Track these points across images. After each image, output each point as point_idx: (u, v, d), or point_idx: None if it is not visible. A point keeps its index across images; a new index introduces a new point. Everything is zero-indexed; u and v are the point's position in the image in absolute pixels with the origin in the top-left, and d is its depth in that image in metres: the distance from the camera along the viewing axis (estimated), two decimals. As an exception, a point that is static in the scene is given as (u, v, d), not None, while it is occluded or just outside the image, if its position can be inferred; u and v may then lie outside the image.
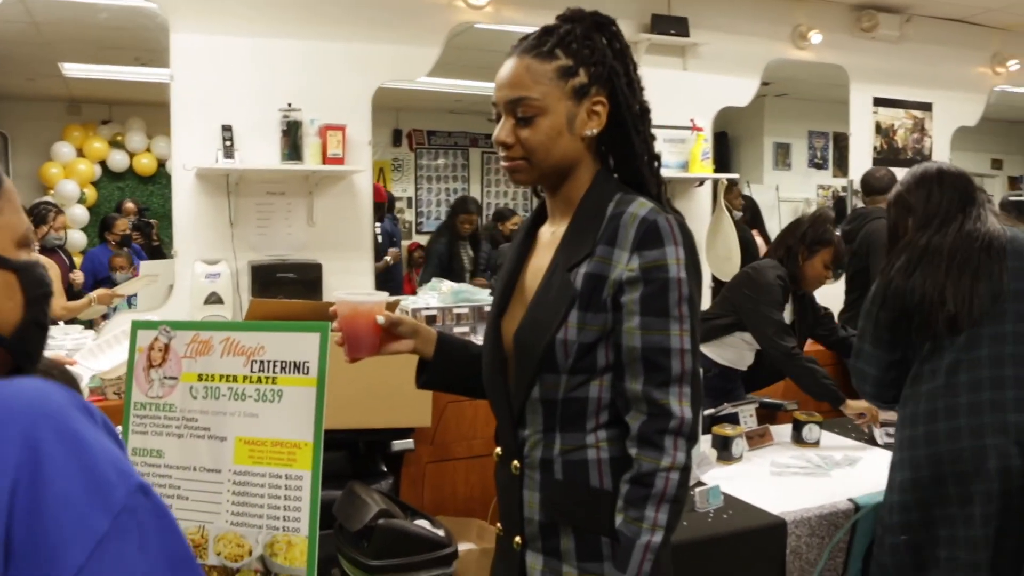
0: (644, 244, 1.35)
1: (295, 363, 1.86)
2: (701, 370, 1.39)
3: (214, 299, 3.73)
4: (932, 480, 2.15)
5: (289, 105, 3.87)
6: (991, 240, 2.21)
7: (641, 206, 1.37)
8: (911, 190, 2.35)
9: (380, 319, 1.50)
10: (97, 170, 5.71)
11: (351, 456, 3.23)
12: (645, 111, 1.46)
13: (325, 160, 3.91)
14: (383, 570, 2.61)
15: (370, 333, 1.52)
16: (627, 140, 1.45)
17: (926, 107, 5.75)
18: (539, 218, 1.57)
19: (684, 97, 4.64)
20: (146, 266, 4.45)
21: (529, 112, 1.38)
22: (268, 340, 1.88)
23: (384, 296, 1.54)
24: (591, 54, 1.40)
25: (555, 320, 1.38)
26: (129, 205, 5.97)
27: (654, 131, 1.50)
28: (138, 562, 0.68)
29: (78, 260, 5.25)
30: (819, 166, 7.32)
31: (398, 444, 3.22)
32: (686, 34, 4.65)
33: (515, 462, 1.46)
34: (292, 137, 3.86)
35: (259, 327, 2.02)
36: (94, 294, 3.97)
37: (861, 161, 5.40)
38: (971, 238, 2.21)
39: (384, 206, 6.24)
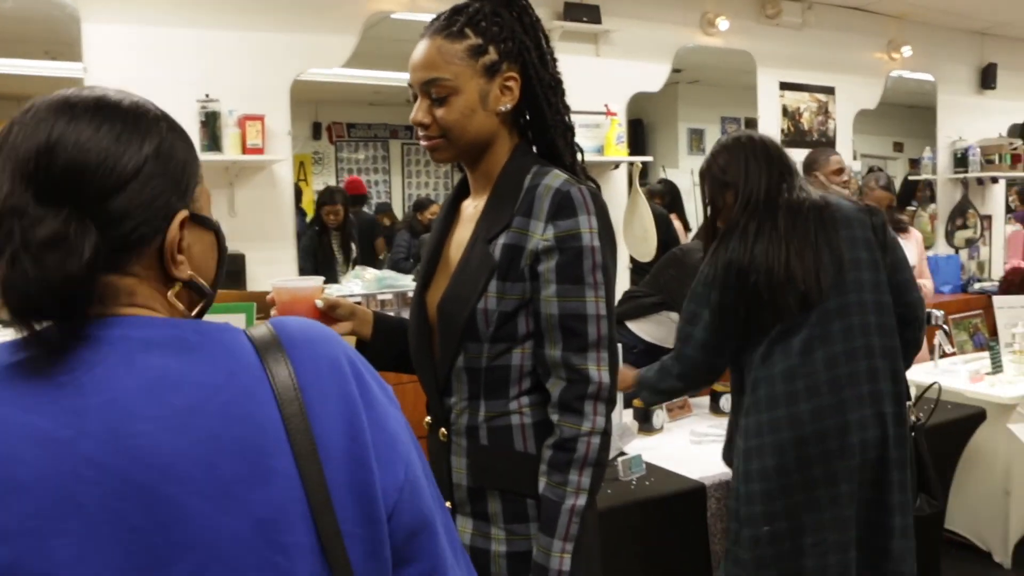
0: (558, 214, 1.38)
1: (224, 343, 1.89)
2: (623, 345, 1.44)
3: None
4: (798, 464, 2.05)
5: (207, 96, 3.84)
6: (819, 209, 2.13)
7: (555, 177, 1.41)
8: (725, 163, 2.21)
9: (319, 303, 1.52)
10: (7, 166, 5.53)
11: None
12: (557, 83, 1.50)
13: (245, 151, 3.90)
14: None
15: (310, 317, 1.53)
16: (540, 112, 1.48)
17: (829, 91, 5.98)
18: (461, 193, 1.61)
19: (598, 83, 4.74)
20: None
21: (443, 92, 1.42)
22: (197, 322, 1.91)
23: (320, 281, 1.57)
24: (500, 31, 1.43)
25: (475, 290, 1.42)
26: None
27: (571, 115, 1.54)
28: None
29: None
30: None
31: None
32: (598, 21, 4.76)
33: (442, 430, 1.50)
34: (211, 128, 3.84)
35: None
36: None
37: (769, 143, 5.58)
38: (800, 209, 2.12)
39: (364, 199, 6.22)
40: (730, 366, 2.24)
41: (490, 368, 1.43)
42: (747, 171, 2.16)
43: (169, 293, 0.83)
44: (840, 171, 4.02)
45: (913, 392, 2.63)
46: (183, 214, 0.83)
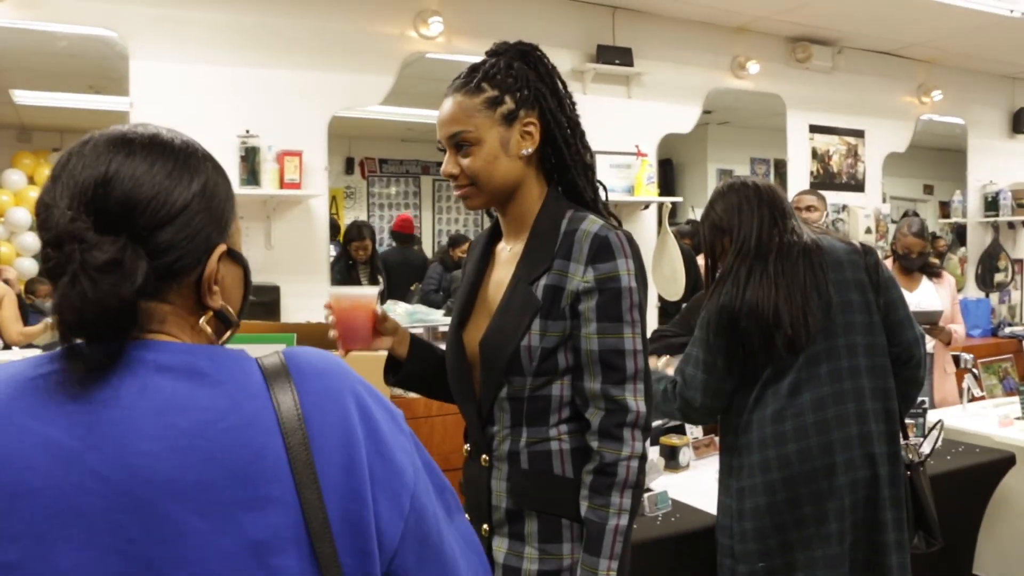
0: (597, 257, 1.48)
1: (264, 371, 1.95)
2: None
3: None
4: (788, 503, 2.08)
5: (247, 131, 3.96)
6: (809, 252, 2.15)
7: (592, 223, 1.51)
8: (721, 209, 2.25)
9: (379, 310, 1.61)
10: (48, 198, 5.67)
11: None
12: (575, 124, 1.60)
13: (283, 185, 4.00)
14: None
15: (366, 325, 1.61)
16: (560, 153, 1.58)
17: (859, 134, 6.01)
18: (494, 236, 1.71)
19: (629, 124, 4.82)
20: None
21: (466, 143, 1.53)
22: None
23: (376, 291, 1.64)
24: (515, 81, 1.53)
25: (519, 328, 1.51)
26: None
27: (601, 155, 1.65)
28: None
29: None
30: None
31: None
32: (630, 64, 4.83)
33: (484, 456, 1.58)
34: (250, 163, 3.95)
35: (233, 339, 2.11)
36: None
37: (799, 185, 5.61)
38: (791, 253, 2.14)
39: (413, 238, 6.24)
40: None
41: (532, 398, 1.53)
42: (740, 217, 2.20)
43: (201, 321, 0.89)
44: (808, 208, 4.05)
45: (913, 433, 2.63)
46: (221, 248, 0.89)
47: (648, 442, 1.51)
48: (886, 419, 2.16)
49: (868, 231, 5.91)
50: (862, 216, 5.89)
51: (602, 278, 1.48)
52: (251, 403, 0.83)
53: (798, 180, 5.73)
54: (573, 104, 1.61)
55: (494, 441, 1.57)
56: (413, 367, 1.69)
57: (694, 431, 3.35)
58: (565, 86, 1.61)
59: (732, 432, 2.21)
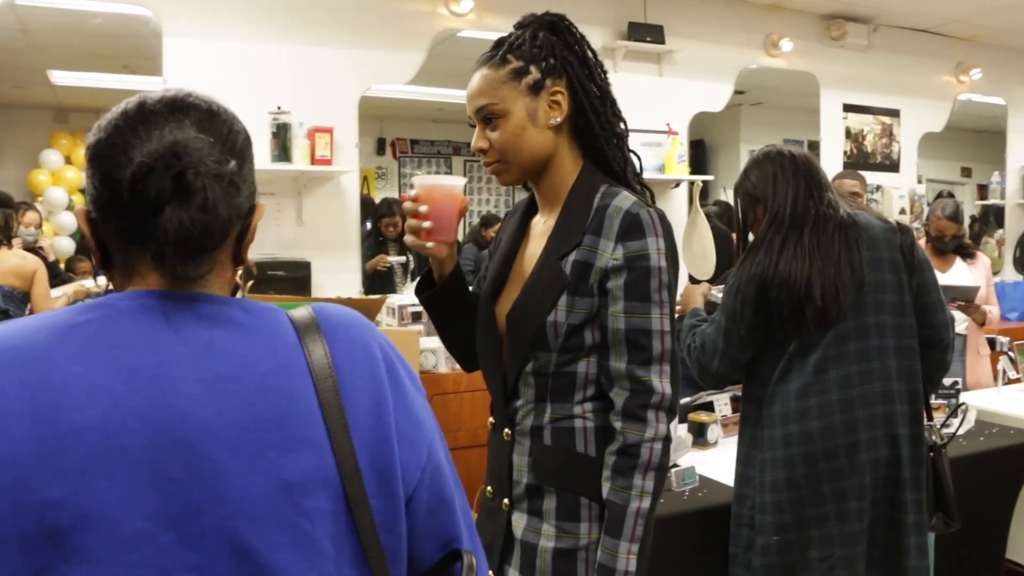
0: (627, 235, 1.45)
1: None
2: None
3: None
4: (807, 479, 2.08)
5: (278, 108, 3.99)
6: (845, 228, 2.12)
7: (625, 199, 1.47)
8: (756, 178, 2.22)
9: (465, 200, 1.55)
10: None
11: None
12: (604, 93, 1.56)
13: (313, 161, 4.04)
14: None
15: (454, 216, 1.55)
16: (589, 122, 1.54)
17: (894, 113, 5.93)
18: (530, 209, 1.68)
19: (660, 102, 4.79)
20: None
21: (493, 116, 1.51)
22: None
23: (463, 181, 1.57)
24: (540, 51, 1.51)
25: (546, 304, 1.49)
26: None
27: (631, 133, 1.61)
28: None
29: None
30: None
31: (385, 434, 3.33)
32: (662, 41, 4.80)
33: (507, 430, 1.56)
34: (281, 139, 3.98)
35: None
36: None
37: (832, 165, 5.56)
38: (827, 226, 2.12)
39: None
40: (745, 378, 2.25)
41: (557, 374, 1.51)
42: (775, 186, 2.16)
43: (237, 276, 0.94)
44: (855, 195, 4.00)
45: (939, 414, 2.60)
46: (261, 204, 0.95)
47: (674, 423, 1.49)
48: (911, 400, 2.15)
49: (902, 212, 5.84)
50: (896, 197, 5.82)
51: (631, 256, 1.45)
52: (284, 351, 0.86)
53: (831, 160, 5.67)
54: (604, 73, 1.58)
55: (517, 415, 1.56)
56: (452, 285, 1.64)
57: (723, 408, 3.35)
58: (595, 55, 1.58)
59: (755, 404, 2.20)
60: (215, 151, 0.86)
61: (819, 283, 2.06)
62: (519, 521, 1.55)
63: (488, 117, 1.52)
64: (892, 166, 5.90)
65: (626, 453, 1.45)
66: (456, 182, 1.55)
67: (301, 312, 0.91)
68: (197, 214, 0.82)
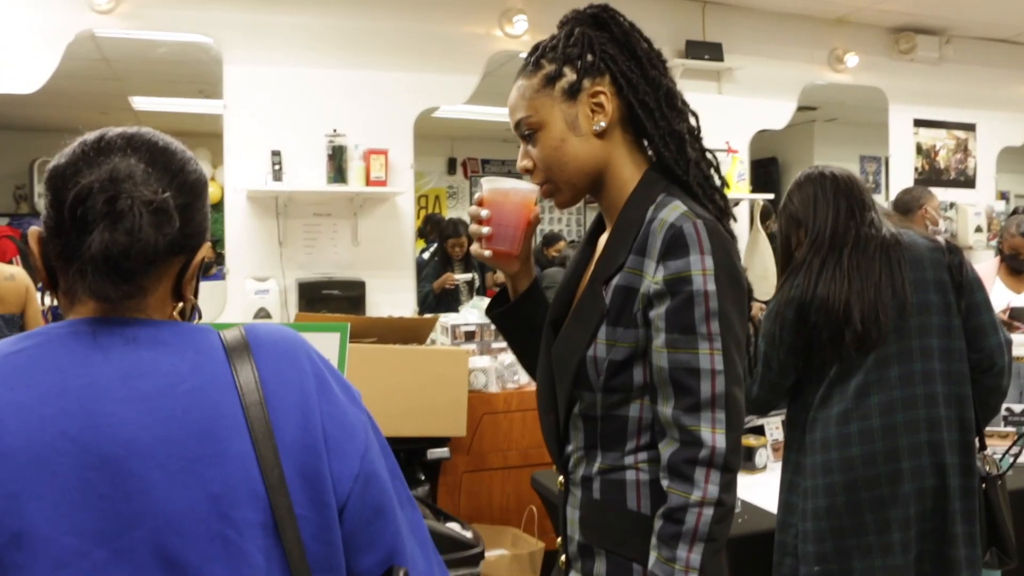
0: (668, 253, 1.23)
1: (318, 360, 2.02)
2: (743, 394, 1.26)
3: (263, 314, 3.93)
4: (848, 508, 2.01)
5: (334, 131, 4.08)
6: (887, 248, 2.07)
7: (673, 210, 1.25)
8: (798, 200, 2.18)
9: (536, 212, 1.40)
10: (166, 199, 5.99)
11: (389, 463, 3.36)
12: (657, 86, 1.33)
13: (369, 183, 4.12)
14: (411, 567, 2.72)
15: (520, 226, 1.41)
16: (639, 121, 1.34)
17: (969, 127, 5.74)
18: (599, 227, 1.48)
19: (719, 120, 4.71)
20: (203, 286, 4.68)
21: (530, 129, 1.35)
22: (294, 339, 2.04)
23: (536, 189, 1.40)
24: (576, 49, 1.33)
25: (585, 336, 1.30)
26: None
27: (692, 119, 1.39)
28: (381, 443, 0.98)
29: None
30: (872, 190, 7.31)
31: (434, 452, 3.35)
32: (720, 59, 4.76)
33: (561, 478, 1.41)
34: (337, 161, 4.07)
35: (289, 327, 2.20)
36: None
37: (901, 182, 5.40)
38: (868, 247, 2.07)
39: None
40: (789, 403, 2.20)
41: (606, 417, 1.31)
42: (816, 207, 2.13)
43: (174, 312, 0.97)
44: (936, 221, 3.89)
45: (999, 442, 2.49)
46: (208, 245, 0.99)
47: (730, 490, 1.22)
48: (960, 428, 2.06)
49: (978, 230, 5.64)
50: (972, 214, 5.62)
51: (671, 279, 1.22)
52: (211, 368, 0.89)
53: (901, 177, 5.52)
54: (661, 64, 1.36)
55: (570, 463, 1.38)
56: (525, 303, 1.49)
57: (774, 432, 3.28)
58: (649, 44, 1.36)
59: (798, 429, 2.15)
60: (153, 182, 0.90)
61: (858, 306, 2.01)
62: None
63: (527, 132, 1.35)
64: (967, 182, 5.70)
65: (671, 518, 1.21)
66: (526, 188, 1.39)
67: (232, 332, 0.94)
68: (121, 236, 0.85)
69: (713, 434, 1.20)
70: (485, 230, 1.40)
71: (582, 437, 1.35)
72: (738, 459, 1.23)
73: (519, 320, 1.51)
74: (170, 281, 0.95)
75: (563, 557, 1.41)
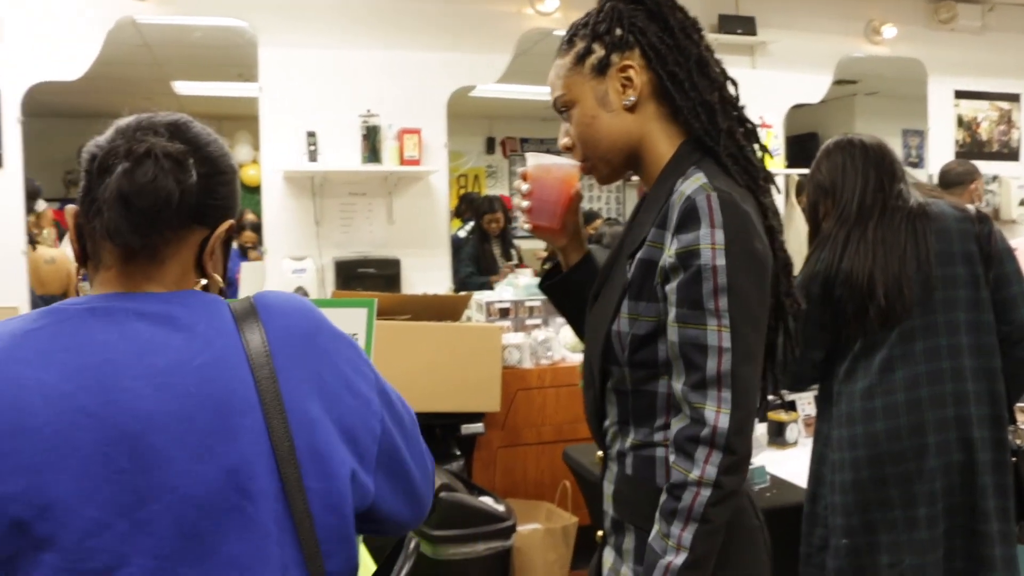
0: (681, 226, 1.20)
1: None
2: (755, 371, 1.23)
3: (300, 293, 4.00)
4: (873, 482, 2.00)
5: (368, 111, 4.14)
6: (913, 219, 2.04)
7: (694, 183, 1.22)
8: (826, 169, 2.14)
9: (577, 188, 1.43)
10: (208, 181, 6.10)
11: (425, 439, 3.41)
12: (688, 56, 1.31)
13: (403, 162, 4.17)
14: (444, 540, 2.77)
15: (560, 201, 1.44)
16: (669, 93, 1.31)
17: (1013, 98, 5.61)
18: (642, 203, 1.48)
19: (753, 95, 4.61)
20: (245, 267, 4.77)
21: (565, 107, 1.36)
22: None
23: (577, 166, 1.42)
24: (605, 25, 1.32)
25: (610, 311, 1.30)
26: (250, 216, 6.40)
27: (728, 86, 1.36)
28: (392, 407, 1.04)
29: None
30: (914, 164, 7.20)
31: (468, 428, 3.40)
32: (754, 33, 4.71)
33: (599, 452, 1.41)
34: (371, 141, 4.12)
35: (317, 303, 2.26)
36: None
37: (942, 155, 5.32)
38: (894, 219, 2.04)
39: None
40: (821, 375, 2.19)
41: (636, 392, 1.31)
42: (844, 177, 2.10)
43: (198, 286, 1.01)
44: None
45: None
46: (231, 221, 1.03)
47: (745, 455, 1.19)
48: (991, 402, 2.04)
49: (1022, 203, 5.54)
50: (1015, 187, 5.52)
51: (682, 252, 1.19)
52: (222, 342, 0.93)
53: (941, 150, 5.43)
54: (698, 32, 1.34)
55: (607, 437, 1.38)
56: (575, 277, 1.50)
57: (805, 408, 3.27)
58: (685, 14, 1.35)
59: (827, 401, 2.16)
60: (175, 141, 0.96)
61: (882, 280, 1.99)
62: (607, 557, 1.39)
63: (563, 110, 1.37)
64: (1011, 154, 5.59)
65: (671, 493, 1.20)
66: (568, 164, 1.42)
67: (242, 302, 0.97)
68: (138, 176, 0.91)
69: (717, 413, 1.17)
70: (525, 204, 1.44)
71: (616, 412, 1.35)
72: (744, 442, 1.18)
73: (569, 293, 1.52)
74: (191, 253, 0.99)
75: (600, 532, 1.43)
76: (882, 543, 2.00)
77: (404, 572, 0.96)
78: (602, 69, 1.32)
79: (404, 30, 4.27)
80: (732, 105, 1.34)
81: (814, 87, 5.05)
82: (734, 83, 1.35)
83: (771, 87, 4.84)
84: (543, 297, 3.96)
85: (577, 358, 3.35)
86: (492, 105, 8.03)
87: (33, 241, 3.96)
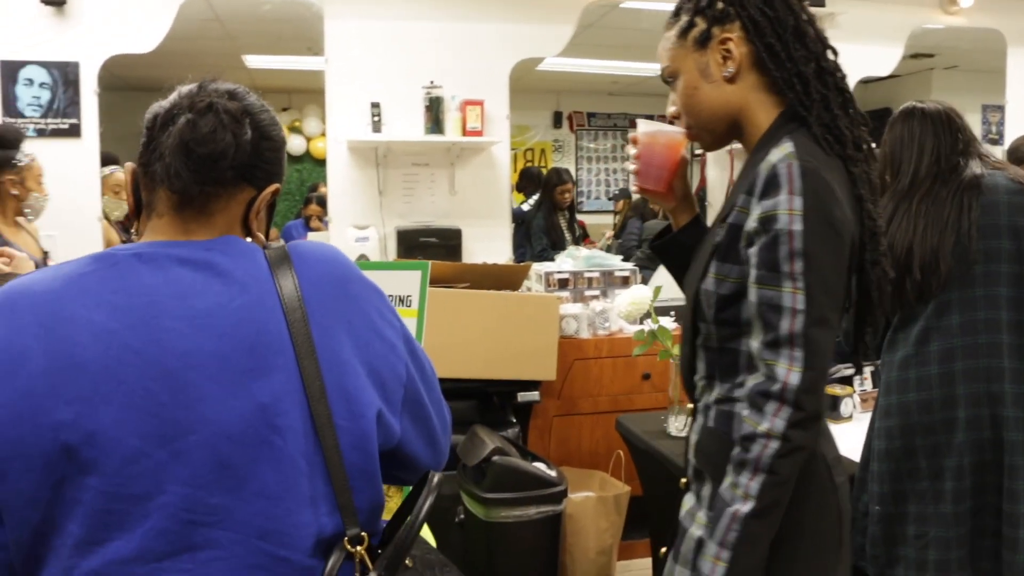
0: (764, 192, 1.27)
1: (400, 297, 2.13)
2: (827, 336, 1.27)
3: (362, 261, 4.08)
4: (904, 452, 2.03)
5: (431, 82, 4.18)
6: (962, 192, 2.03)
7: (780, 150, 1.28)
8: (888, 140, 2.15)
9: (684, 154, 1.50)
10: (277, 153, 6.25)
11: (482, 406, 3.48)
12: (786, 26, 1.35)
13: (465, 133, 4.21)
14: (496, 503, 2.83)
15: (665, 165, 1.52)
16: (767, 66, 1.36)
17: (1098, 70, 5.40)
18: None
19: (821, 67, 4.60)
20: (310, 237, 4.89)
21: (670, 79, 1.45)
22: (379, 277, 2.14)
23: (682, 132, 1.50)
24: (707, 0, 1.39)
25: (700, 270, 1.39)
26: (323, 189, 6.57)
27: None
28: (416, 356, 1.12)
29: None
30: (994, 141, 6.99)
31: (524, 396, 3.45)
32: (821, 3, 4.61)
33: (690, 404, 1.50)
34: (434, 112, 4.17)
35: (373, 266, 2.32)
36: None
37: (1022, 130, 5.16)
38: (941, 192, 2.04)
39: None
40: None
41: (722, 350, 1.38)
42: (901, 149, 2.11)
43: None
44: None
45: None
46: (277, 184, 1.12)
47: (800, 427, 1.23)
48: None
49: (1104, 180, 5.33)
50: (1097, 163, 5.32)
51: (764, 217, 1.26)
52: (258, 287, 1.00)
53: (1021, 125, 5.25)
54: (800, 2, 1.38)
55: (697, 389, 1.46)
56: (681, 239, 1.57)
57: (863, 383, 3.24)
58: None
59: (880, 372, 2.18)
60: (233, 102, 1.05)
61: (919, 253, 2.00)
62: (687, 503, 1.46)
63: (668, 81, 1.45)
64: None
65: (741, 444, 1.26)
66: (675, 131, 1.50)
67: (277, 250, 1.04)
68: (202, 127, 1.01)
69: (788, 371, 1.23)
70: (631, 167, 1.53)
71: (704, 367, 1.43)
72: (813, 400, 1.23)
73: (676, 253, 1.58)
74: (238, 210, 1.07)
75: (683, 479, 1.50)
76: (910, 513, 2.02)
77: (427, 505, 1.01)
78: (703, 42, 1.39)
79: (466, 2, 4.30)
80: (830, 74, 1.38)
81: (884, 60, 4.93)
82: (834, 52, 1.40)
83: (839, 60, 4.72)
84: (604, 267, 4.02)
85: (633, 329, 3.37)
86: (559, 79, 8.05)
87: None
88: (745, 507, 1.23)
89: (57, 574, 0.92)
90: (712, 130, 1.45)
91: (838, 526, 1.35)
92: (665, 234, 1.62)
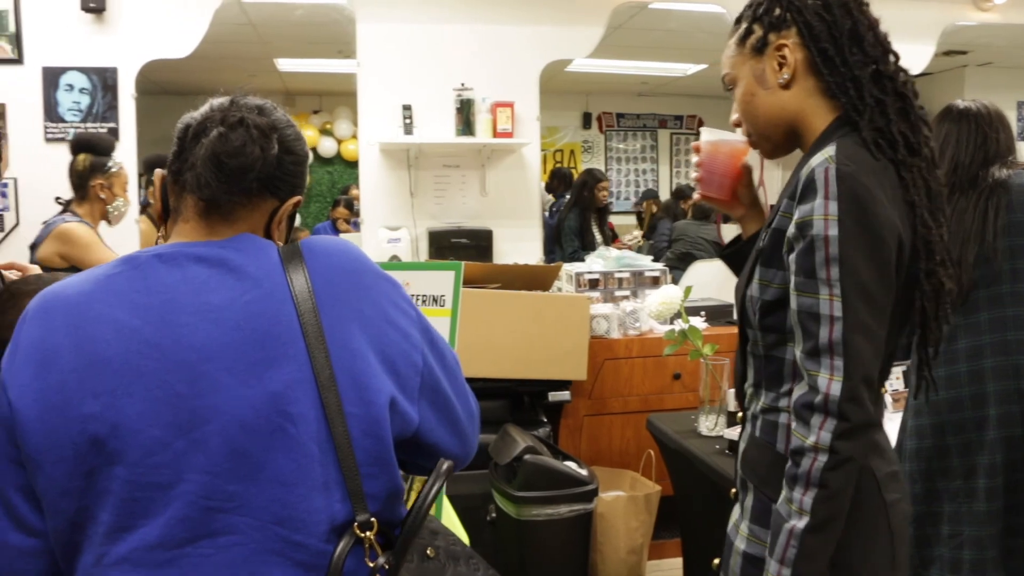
0: (801, 198, 1.26)
1: (434, 296, 2.16)
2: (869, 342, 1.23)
3: (394, 261, 4.13)
4: (936, 452, 2.01)
5: (462, 85, 4.23)
6: (989, 196, 2.02)
7: (822, 155, 1.26)
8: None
9: (746, 162, 1.52)
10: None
11: (512, 405, 3.50)
12: (842, 31, 1.33)
13: (496, 134, 4.25)
14: (527, 501, 2.85)
15: (727, 173, 1.54)
16: (820, 71, 1.34)
17: None
18: None
19: (852, 66, 4.58)
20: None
21: (731, 86, 1.45)
22: (413, 277, 2.19)
23: (745, 140, 1.51)
24: (764, 5, 1.39)
25: (746, 276, 1.38)
26: (355, 191, 6.64)
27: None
28: (434, 344, 1.15)
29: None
30: (1027, 139, 6.93)
31: (555, 395, 3.47)
32: (853, 1, 4.59)
33: (740, 413, 1.48)
34: (465, 114, 4.21)
35: (407, 267, 2.36)
36: None
37: (1056, 127, 5.11)
38: (970, 193, 2.02)
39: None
40: None
41: (768, 357, 1.36)
42: (942, 151, 2.09)
43: None
44: None
45: None
46: (298, 197, 1.17)
47: (847, 438, 1.19)
48: None
49: None
50: None
51: (801, 222, 1.24)
52: (270, 281, 1.05)
53: (1056, 121, 5.20)
54: (859, 6, 1.36)
55: (746, 398, 1.45)
56: (748, 249, 1.52)
57: (893, 382, 3.23)
58: None
59: (910, 371, 2.18)
60: (262, 118, 1.10)
61: None
62: (734, 514, 1.44)
63: (729, 88, 1.46)
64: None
65: (792, 459, 1.24)
66: (738, 140, 1.51)
67: (289, 247, 1.09)
68: (233, 139, 1.07)
69: (829, 381, 1.20)
70: (693, 174, 1.56)
71: (752, 374, 1.41)
72: (857, 409, 1.19)
73: (743, 262, 1.54)
74: (261, 219, 1.13)
75: (733, 489, 1.48)
76: (945, 513, 2.02)
77: (433, 491, 1.04)
78: (760, 48, 1.39)
79: (496, 4, 4.33)
80: (888, 78, 1.34)
81: (915, 57, 4.88)
82: (895, 55, 1.37)
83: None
84: (633, 267, 4.04)
85: (663, 329, 3.38)
86: (588, 80, 8.07)
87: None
88: (801, 523, 1.21)
89: (91, 560, 0.97)
90: (770, 137, 1.43)
91: (890, 547, 1.30)
92: (736, 243, 1.63)
